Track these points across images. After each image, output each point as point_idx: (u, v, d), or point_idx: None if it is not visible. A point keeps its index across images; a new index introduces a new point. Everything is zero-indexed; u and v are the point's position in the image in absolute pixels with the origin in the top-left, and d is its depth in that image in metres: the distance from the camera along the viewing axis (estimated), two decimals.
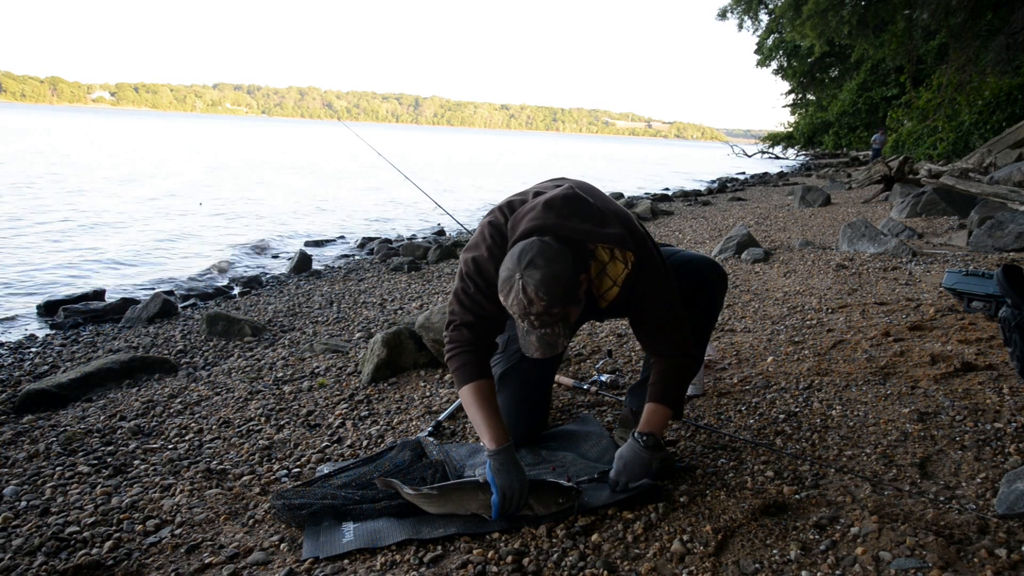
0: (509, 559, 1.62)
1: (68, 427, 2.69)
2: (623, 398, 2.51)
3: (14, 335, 4.81)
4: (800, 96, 37.80)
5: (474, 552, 1.67)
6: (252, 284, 6.62)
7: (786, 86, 37.14)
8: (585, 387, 2.74)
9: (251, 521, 1.89)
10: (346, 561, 1.67)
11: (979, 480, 1.87)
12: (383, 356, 3.07)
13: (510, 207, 1.86)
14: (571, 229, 1.72)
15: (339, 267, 7.49)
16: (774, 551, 1.61)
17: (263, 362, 3.61)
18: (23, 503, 2.03)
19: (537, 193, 1.85)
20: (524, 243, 1.69)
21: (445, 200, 12.26)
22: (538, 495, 1.79)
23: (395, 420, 2.61)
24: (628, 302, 1.88)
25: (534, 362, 2.22)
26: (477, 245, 1.88)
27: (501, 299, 1.69)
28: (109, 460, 2.34)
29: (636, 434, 1.90)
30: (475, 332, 1.88)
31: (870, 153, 22.90)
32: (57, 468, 2.28)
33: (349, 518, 1.82)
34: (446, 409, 2.62)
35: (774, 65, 34.02)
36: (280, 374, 3.31)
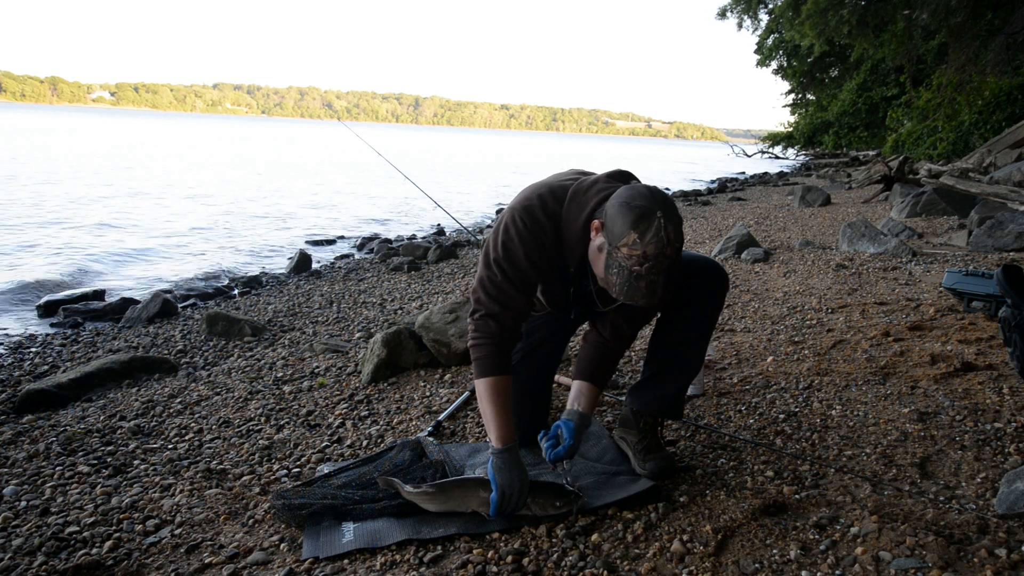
0: (509, 559, 1.62)
1: (68, 427, 2.69)
2: (623, 398, 2.51)
3: (14, 335, 4.81)
4: (800, 96, 37.78)
5: (474, 552, 1.67)
6: (252, 284, 6.62)
7: (786, 86, 37.16)
8: None
9: (251, 521, 1.89)
10: (346, 561, 1.67)
11: (979, 480, 1.87)
12: (383, 356, 3.07)
13: (549, 190, 1.82)
14: None
15: (339, 267, 7.49)
16: (774, 551, 1.61)
17: (263, 362, 3.61)
18: (23, 503, 2.03)
19: (564, 180, 1.84)
20: (646, 185, 1.68)
21: (445, 200, 12.25)
22: (537, 496, 1.79)
23: (395, 420, 2.61)
24: None
25: (536, 362, 2.23)
26: (506, 229, 1.82)
27: (632, 236, 1.57)
28: (109, 460, 2.34)
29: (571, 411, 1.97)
30: (501, 323, 1.84)
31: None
32: (57, 468, 2.28)
33: (349, 518, 1.82)
34: (446, 409, 2.62)
35: (774, 65, 34.01)
36: (280, 374, 3.31)
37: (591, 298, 1.90)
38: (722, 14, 24.68)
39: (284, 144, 45.26)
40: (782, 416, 2.40)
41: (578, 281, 1.91)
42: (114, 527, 1.88)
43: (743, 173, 27.04)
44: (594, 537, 1.71)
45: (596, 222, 1.69)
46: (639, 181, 1.85)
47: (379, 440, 2.43)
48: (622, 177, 1.82)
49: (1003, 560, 1.50)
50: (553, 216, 1.80)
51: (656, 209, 1.58)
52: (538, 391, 2.28)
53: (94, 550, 1.77)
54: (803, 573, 1.52)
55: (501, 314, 1.83)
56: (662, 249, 1.57)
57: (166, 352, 4.09)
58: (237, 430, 2.61)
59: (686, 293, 1.96)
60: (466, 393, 2.72)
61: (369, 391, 2.94)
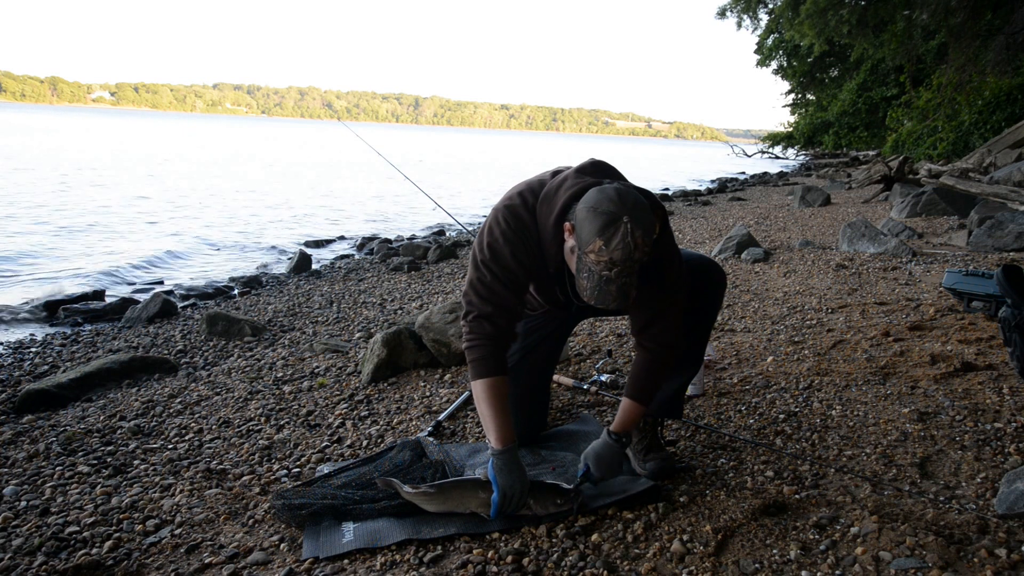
0: (509, 559, 1.62)
1: (68, 427, 2.69)
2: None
3: (14, 335, 4.81)
4: (800, 96, 37.79)
5: (474, 552, 1.67)
6: (252, 284, 6.62)
7: (786, 86, 37.17)
8: (585, 387, 2.74)
9: (251, 521, 1.89)
10: (346, 561, 1.67)
11: (979, 480, 1.87)
12: (383, 356, 3.07)
13: (530, 189, 1.82)
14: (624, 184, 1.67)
15: (339, 267, 7.49)
16: (774, 551, 1.61)
17: (263, 362, 3.61)
18: (23, 503, 2.03)
19: (543, 178, 1.83)
20: (616, 185, 1.64)
21: (445, 200, 12.26)
22: (537, 496, 1.79)
23: (395, 420, 2.61)
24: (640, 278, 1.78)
25: (534, 362, 2.22)
26: (491, 230, 1.82)
27: (598, 243, 1.56)
28: (109, 460, 2.34)
29: (609, 432, 1.91)
30: (495, 324, 1.82)
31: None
32: (57, 468, 2.28)
33: (349, 518, 1.82)
34: (446, 409, 2.62)
35: (774, 65, 33.99)
36: (280, 374, 3.31)
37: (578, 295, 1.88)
38: (722, 14, 24.64)
39: (283, 144, 45.25)
40: (782, 416, 2.40)
41: (560, 280, 1.90)
42: (114, 527, 1.88)
43: (743, 173, 27.03)
44: (594, 537, 1.71)
45: (568, 224, 1.68)
46: (614, 173, 1.80)
47: (379, 440, 2.43)
48: (594, 170, 1.78)
49: (1003, 560, 1.50)
50: (533, 214, 1.80)
51: (623, 215, 1.56)
52: (537, 391, 2.28)
53: (94, 550, 1.77)
54: (803, 573, 1.52)
55: (494, 315, 1.82)
56: (629, 255, 1.56)
57: (166, 352, 4.09)
58: (237, 430, 2.61)
59: None
60: (466, 393, 2.72)
61: (369, 391, 2.94)
